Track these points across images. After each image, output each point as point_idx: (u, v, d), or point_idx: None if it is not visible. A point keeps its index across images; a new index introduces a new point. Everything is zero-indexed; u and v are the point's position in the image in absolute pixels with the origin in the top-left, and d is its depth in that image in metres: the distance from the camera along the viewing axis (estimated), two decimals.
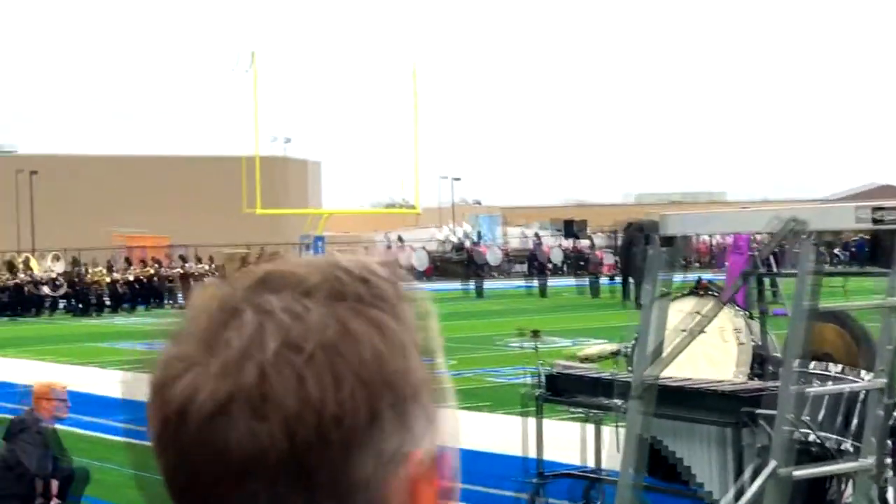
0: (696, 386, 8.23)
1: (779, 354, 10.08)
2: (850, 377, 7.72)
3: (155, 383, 1.01)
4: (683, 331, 5.77)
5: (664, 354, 5.54)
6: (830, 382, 7.55)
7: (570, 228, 59.70)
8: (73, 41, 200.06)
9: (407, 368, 1.00)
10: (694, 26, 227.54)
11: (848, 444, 7.41)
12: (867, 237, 54.67)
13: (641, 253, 5.54)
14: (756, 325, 10.18)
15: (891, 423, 7.50)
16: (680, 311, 8.12)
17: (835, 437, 7.47)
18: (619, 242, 44.66)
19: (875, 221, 4.43)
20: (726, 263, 34.86)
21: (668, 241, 5.47)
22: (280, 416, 0.95)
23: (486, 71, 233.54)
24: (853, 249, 56.62)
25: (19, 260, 48.37)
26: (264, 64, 48.53)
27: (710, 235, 59.80)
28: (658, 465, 8.37)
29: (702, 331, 5.47)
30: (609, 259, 49.76)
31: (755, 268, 7.90)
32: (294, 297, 1.00)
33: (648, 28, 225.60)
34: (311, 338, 0.97)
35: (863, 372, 7.76)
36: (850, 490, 5.78)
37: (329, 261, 1.04)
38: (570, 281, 51.45)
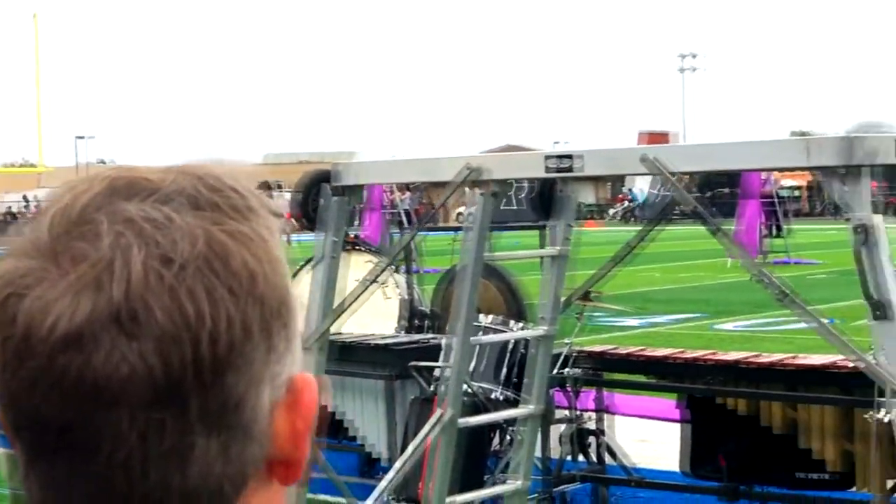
0: (350, 340, 8.31)
1: (426, 308, 10.31)
2: (502, 328, 7.95)
3: None
4: (356, 280, 5.74)
5: (339, 306, 5.47)
6: (481, 333, 7.76)
7: None
8: None
9: (276, 284, 0.92)
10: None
11: (498, 393, 7.65)
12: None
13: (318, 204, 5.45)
14: (402, 279, 10.36)
15: (551, 372, 7.80)
16: (355, 266, 8.15)
17: (488, 386, 7.69)
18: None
19: (559, 170, 4.51)
20: (366, 222, 35.39)
21: (345, 191, 5.40)
22: (152, 336, 0.85)
23: (115, 23, 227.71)
24: None
25: None
26: None
27: None
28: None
29: (374, 280, 5.44)
30: None
31: (429, 218, 7.98)
32: (152, 205, 0.89)
33: None
34: (178, 249, 0.87)
35: (511, 322, 8.02)
36: (516, 438, 5.93)
37: (185, 169, 0.94)
38: None
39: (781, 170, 3.62)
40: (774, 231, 33.38)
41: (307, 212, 5.40)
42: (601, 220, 65.08)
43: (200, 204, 0.90)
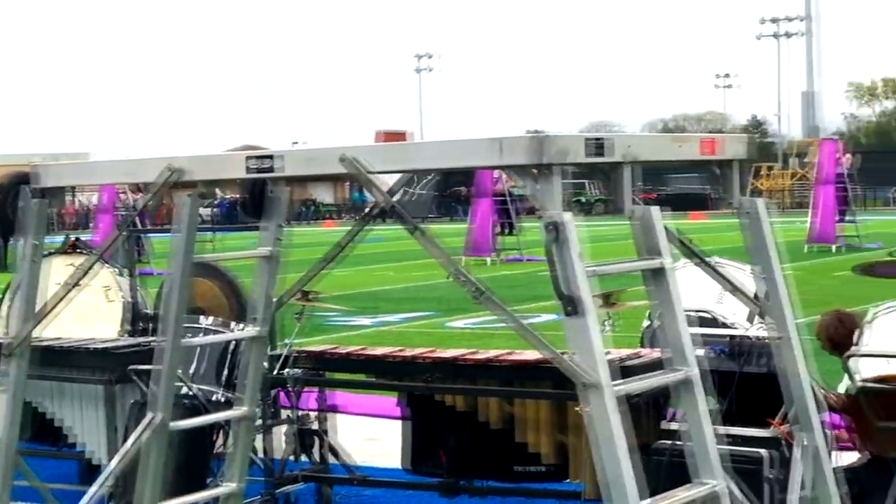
0: (69, 344, 8.11)
1: (150, 311, 10.12)
2: (221, 329, 7.89)
3: None
4: (57, 284, 5.58)
5: (41, 311, 5.31)
6: (202, 334, 7.69)
7: None
8: None
9: None
10: None
11: (220, 395, 7.59)
12: (235, 196, 56.24)
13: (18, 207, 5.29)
14: (127, 281, 10.14)
15: (273, 373, 7.77)
16: (56, 270, 7.93)
17: (208, 388, 7.62)
18: None
19: (260, 170, 4.48)
20: (99, 225, 34.73)
21: (46, 193, 5.25)
22: None
23: None
24: (216, 209, 58.08)
25: None
26: None
27: (75, 196, 59.21)
28: (44, 429, 8.20)
29: (77, 284, 5.29)
30: None
31: (132, 221, 7.82)
32: None
33: None
34: None
35: (233, 323, 7.97)
36: (234, 440, 5.86)
37: None
38: None
39: (476, 168, 3.70)
40: (507, 229, 34.07)
41: (6, 215, 5.23)
42: (339, 219, 65.32)
43: None
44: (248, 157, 4.53)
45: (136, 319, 10.07)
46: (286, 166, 4.46)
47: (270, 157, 4.47)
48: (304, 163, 4.51)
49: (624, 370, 6.17)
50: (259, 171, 4.52)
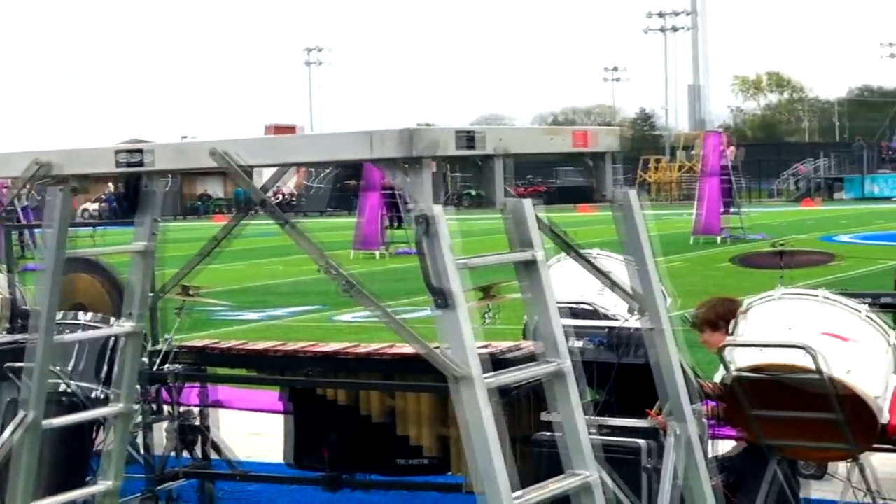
0: None
1: (29, 308, 9.95)
2: (101, 325, 7.78)
3: None
4: None
5: None
6: (80, 331, 7.59)
7: None
8: None
9: None
10: None
11: (99, 392, 7.49)
12: (117, 192, 55.64)
13: None
14: (5, 277, 9.97)
15: (152, 369, 7.68)
16: None
17: (88, 385, 7.51)
18: None
19: (130, 164, 4.43)
20: None
21: None
22: None
23: None
24: (104, 203, 57.42)
25: None
26: None
27: None
28: None
29: None
30: None
31: (8, 217, 7.70)
32: None
33: None
34: None
35: (112, 319, 7.86)
36: (110, 437, 5.80)
37: None
38: None
39: (346, 163, 3.71)
40: (396, 222, 34.08)
41: None
42: (229, 213, 64.83)
43: None
44: (118, 152, 4.47)
45: (15, 316, 9.90)
46: (156, 160, 4.41)
47: (140, 150, 4.41)
48: (175, 156, 4.46)
49: (502, 362, 6.19)
50: (129, 165, 4.45)
